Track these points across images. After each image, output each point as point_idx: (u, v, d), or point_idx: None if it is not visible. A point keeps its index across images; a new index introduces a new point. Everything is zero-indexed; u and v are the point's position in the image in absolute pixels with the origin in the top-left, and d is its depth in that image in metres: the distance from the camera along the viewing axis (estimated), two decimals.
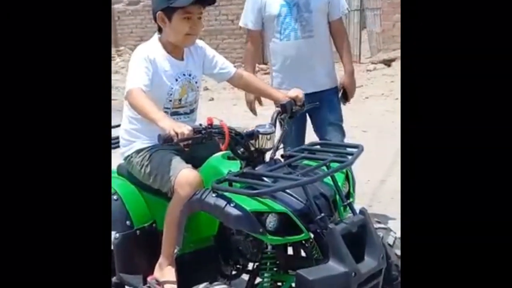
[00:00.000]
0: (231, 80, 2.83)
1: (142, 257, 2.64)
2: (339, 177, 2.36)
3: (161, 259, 2.53)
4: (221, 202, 2.17)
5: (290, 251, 2.47)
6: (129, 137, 2.65)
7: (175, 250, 2.49)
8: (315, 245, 2.28)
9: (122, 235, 2.61)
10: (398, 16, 10.24)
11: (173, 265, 2.51)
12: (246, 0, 3.76)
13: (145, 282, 2.61)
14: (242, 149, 2.34)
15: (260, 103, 3.85)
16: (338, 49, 3.81)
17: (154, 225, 2.67)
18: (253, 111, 3.86)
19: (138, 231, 2.63)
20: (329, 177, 2.27)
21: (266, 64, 9.44)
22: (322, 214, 2.15)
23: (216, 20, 12.85)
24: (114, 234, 2.63)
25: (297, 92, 2.67)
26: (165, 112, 2.52)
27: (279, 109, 2.60)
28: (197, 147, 2.36)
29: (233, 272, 2.59)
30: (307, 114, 3.65)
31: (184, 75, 2.61)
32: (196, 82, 2.66)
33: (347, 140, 3.85)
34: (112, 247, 2.68)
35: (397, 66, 10.11)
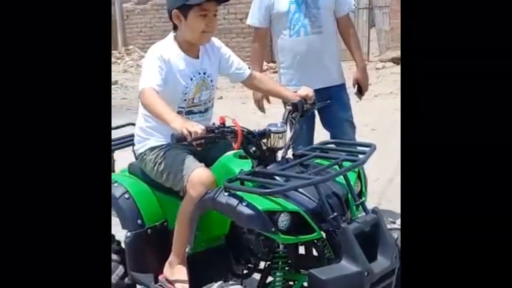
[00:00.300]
0: (245, 81, 2.83)
1: (154, 256, 2.64)
2: (351, 176, 2.35)
3: (172, 258, 2.53)
4: (233, 201, 2.17)
5: (302, 250, 2.46)
6: (144, 135, 2.65)
7: (187, 249, 2.49)
8: (327, 245, 2.26)
9: (133, 233, 2.62)
10: None
11: (184, 264, 2.51)
12: None
13: (156, 280, 2.62)
14: (254, 148, 2.33)
15: (268, 100, 3.85)
16: (348, 46, 3.81)
17: (165, 224, 2.67)
18: (261, 109, 3.86)
19: (149, 230, 2.63)
20: (341, 176, 2.27)
21: (274, 62, 9.45)
22: (335, 213, 2.14)
23: (224, 19, 12.85)
24: (125, 233, 2.64)
25: (307, 91, 2.67)
26: (180, 111, 2.52)
27: (290, 108, 2.59)
28: (209, 146, 2.36)
29: (245, 271, 2.59)
30: (316, 112, 3.65)
31: (199, 73, 2.60)
32: (211, 81, 2.66)
33: (356, 139, 3.84)
34: (123, 246, 2.70)
35: None
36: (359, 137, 4.04)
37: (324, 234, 2.22)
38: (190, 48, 2.59)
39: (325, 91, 3.53)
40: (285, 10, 3.59)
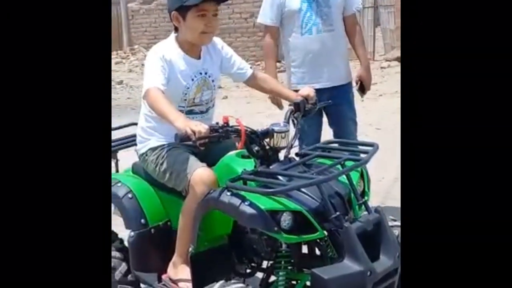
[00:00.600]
0: (247, 81, 2.83)
1: (157, 256, 2.64)
2: (354, 175, 2.35)
3: (175, 258, 2.54)
4: (236, 201, 2.18)
5: (304, 249, 2.46)
6: (145, 135, 2.66)
7: (190, 249, 2.50)
8: (330, 244, 2.26)
9: (137, 233, 2.62)
10: None
11: (187, 263, 2.51)
12: None
13: (160, 280, 2.62)
14: (257, 148, 2.34)
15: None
16: (353, 44, 3.84)
17: (168, 223, 2.68)
18: (280, 106, 3.81)
19: (152, 230, 2.64)
20: (344, 176, 2.27)
21: (279, 61, 9.44)
22: (337, 213, 2.14)
23: (229, 18, 12.87)
24: (129, 233, 2.65)
25: (309, 91, 2.68)
26: (180, 110, 2.52)
27: (292, 107, 2.60)
28: (211, 145, 2.36)
29: (248, 271, 2.59)
30: (323, 110, 3.66)
31: (200, 73, 2.61)
32: (212, 81, 2.66)
33: (360, 138, 3.85)
34: (127, 245, 2.71)
35: None
36: (364, 136, 4.05)
37: (326, 234, 2.22)
38: (191, 49, 2.60)
39: (335, 90, 3.61)
40: (297, 8, 3.60)
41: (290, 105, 2.65)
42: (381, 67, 11.04)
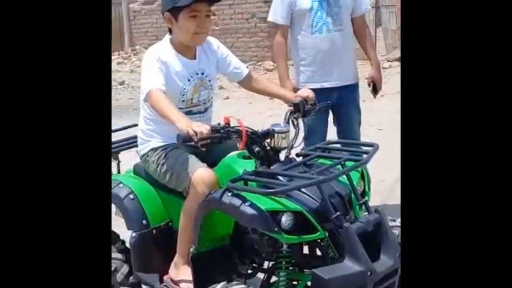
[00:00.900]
0: (242, 82, 2.84)
1: (158, 256, 2.65)
2: (354, 175, 2.36)
3: (176, 258, 2.54)
4: (237, 201, 2.18)
5: (305, 250, 2.47)
6: (145, 137, 2.67)
7: (191, 249, 2.50)
8: (330, 244, 2.27)
9: (138, 234, 2.63)
10: None
11: (188, 264, 2.52)
12: None
13: (161, 281, 2.63)
14: (258, 148, 2.35)
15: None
16: (362, 45, 3.87)
17: (170, 224, 2.68)
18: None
19: (154, 230, 2.64)
20: (344, 176, 2.27)
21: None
22: (338, 213, 2.15)
23: (231, 18, 12.86)
24: (130, 233, 2.66)
25: (307, 92, 2.69)
26: None
27: (291, 108, 2.60)
28: (212, 146, 2.37)
29: (249, 271, 2.60)
30: (330, 110, 3.67)
31: (197, 74, 2.61)
32: (209, 80, 2.67)
33: (361, 138, 3.86)
34: (129, 246, 2.71)
35: None
36: (365, 137, 4.06)
37: (327, 234, 2.22)
38: (185, 50, 2.61)
39: (342, 89, 3.66)
40: (308, 7, 3.63)
41: (289, 105, 2.65)
42: (383, 68, 11.00)
